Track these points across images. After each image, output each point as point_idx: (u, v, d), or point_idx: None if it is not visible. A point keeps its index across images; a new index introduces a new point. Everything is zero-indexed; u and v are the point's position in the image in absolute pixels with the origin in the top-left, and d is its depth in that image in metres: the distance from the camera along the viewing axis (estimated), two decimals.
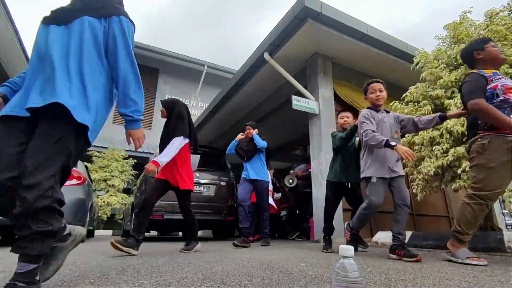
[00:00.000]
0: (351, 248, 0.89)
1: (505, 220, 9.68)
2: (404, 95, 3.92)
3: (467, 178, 2.98)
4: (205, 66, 14.57)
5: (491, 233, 2.78)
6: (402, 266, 1.77)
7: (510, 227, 10.36)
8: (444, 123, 3.14)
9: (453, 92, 3.33)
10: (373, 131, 2.25)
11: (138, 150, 8.28)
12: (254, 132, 3.92)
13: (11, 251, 1.03)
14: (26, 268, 1.01)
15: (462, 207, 2.05)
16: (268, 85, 6.11)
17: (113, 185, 9.46)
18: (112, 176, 9.59)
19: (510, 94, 1.87)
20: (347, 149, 2.94)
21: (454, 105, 3.14)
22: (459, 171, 3.00)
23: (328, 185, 3.02)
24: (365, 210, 2.31)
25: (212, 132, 9.06)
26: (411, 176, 3.78)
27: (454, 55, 3.48)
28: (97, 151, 10.01)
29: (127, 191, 9.12)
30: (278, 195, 5.91)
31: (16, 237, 1.03)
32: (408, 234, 3.35)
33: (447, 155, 3.06)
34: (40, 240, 1.04)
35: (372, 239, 3.82)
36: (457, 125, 3.02)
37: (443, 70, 3.43)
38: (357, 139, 2.85)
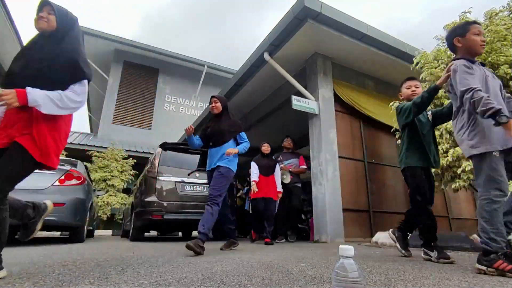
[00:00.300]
0: (351, 248, 0.89)
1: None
2: None
3: (466, 178, 2.98)
4: (205, 66, 14.57)
5: None
6: (401, 266, 1.77)
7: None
8: (444, 124, 3.14)
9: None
10: (481, 90, 1.59)
11: (138, 150, 8.31)
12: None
13: None
14: None
15: None
16: (268, 85, 6.11)
17: (113, 185, 9.46)
18: (112, 176, 9.58)
19: None
20: (423, 125, 2.30)
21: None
22: (458, 171, 3.00)
23: (413, 171, 2.31)
24: (496, 203, 1.55)
25: None
26: None
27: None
28: (97, 151, 10.01)
29: (127, 191, 9.12)
30: None
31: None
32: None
33: (447, 156, 3.07)
34: None
35: (372, 239, 3.82)
36: None
37: (443, 70, 3.43)
38: (430, 113, 2.38)
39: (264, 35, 5.17)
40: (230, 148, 2.85)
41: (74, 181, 3.72)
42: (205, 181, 4.77)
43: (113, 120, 13.04)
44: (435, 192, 3.68)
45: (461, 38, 1.90)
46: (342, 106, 5.15)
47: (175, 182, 4.51)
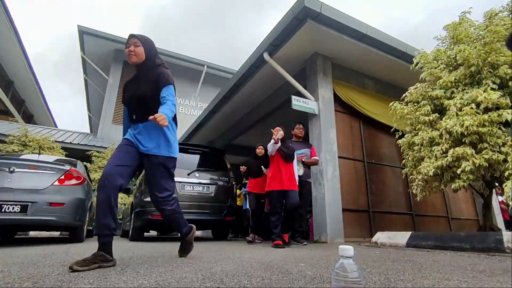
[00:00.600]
0: (350, 248, 0.89)
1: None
2: (403, 95, 3.93)
3: (466, 178, 2.98)
4: (205, 66, 14.57)
5: (491, 233, 2.78)
6: (401, 266, 1.77)
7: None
8: (444, 123, 3.14)
9: (452, 92, 3.33)
10: None
11: None
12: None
13: None
14: None
15: None
16: (268, 85, 6.11)
17: None
18: None
19: None
20: None
21: (454, 105, 3.14)
22: (458, 171, 3.00)
23: None
24: None
25: (212, 132, 9.06)
26: (410, 177, 3.79)
27: (454, 56, 3.48)
28: (97, 151, 10.01)
29: (126, 191, 9.09)
30: None
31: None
32: (408, 234, 3.35)
33: (447, 156, 3.07)
34: None
35: (371, 239, 3.82)
36: (456, 125, 3.02)
37: (443, 70, 3.44)
38: None
39: (264, 35, 5.18)
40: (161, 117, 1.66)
41: (73, 181, 3.72)
42: (205, 181, 4.78)
43: (112, 120, 13.04)
44: (434, 192, 3.71)
45: None
46: (342, 106, 5.15)
47: (175, 182, 4.51)
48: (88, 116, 18.52)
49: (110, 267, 1.66)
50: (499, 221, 6.49)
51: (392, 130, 4.33)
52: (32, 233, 7.80)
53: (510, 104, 2.97)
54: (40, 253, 2.39)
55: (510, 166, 2.82)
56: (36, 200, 3.27)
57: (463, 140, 3.08)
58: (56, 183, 3.53)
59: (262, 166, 4.42)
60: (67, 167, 3.80)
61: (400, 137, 3.91)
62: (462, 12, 3.63)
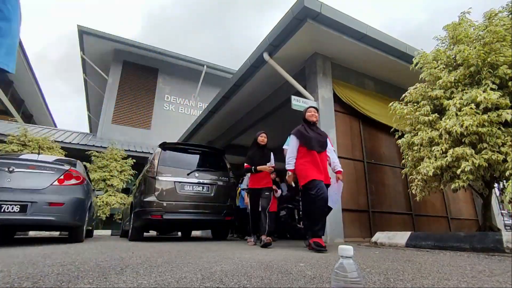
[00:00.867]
0: (350, 248, 0.89)
1: (503, 220, 9.71)
2: (403, 95, 3.93)
3: (466, 178, 2.98)
4: (205, 66, 14.57)
5: (490, 233, 2.78)
6: (401, 266, 1.77)
7: (509, 227, 10.39)
8: (443, 124, 3.14)
9: (452, 92, 3.33)
10: None
11: (137, 150, 8.26)
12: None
13: None
14: None
15: None
16: (268, 85, 6.11)
17: (112, 185, 9.45)
18: (111, 176, 9.58)
19: None
20: None
21: (453, 105, 3.15)
22: (458, 171, 3.00)
23: None
24: None
25: (211, 132, 9.06)
26: (410, 177, 3.79)
27: (453, 56, 3.48)
28: (96, 151, 10.00)
29: (126, 191, 9.10)
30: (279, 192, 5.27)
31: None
32: (407, 234, 3.36)
33: (446, 156, 3.07)
34: None
35: (371, 239, 3.82)
36: (456, 125, 3.03)
37: (442, 70, 3.44)
38: None
39: (264, 35, 5.18)
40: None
41: (73, 181, 3.72)
42: (205, 181, 4.77)
43: (112, 120, 13.04)
44: (434, 192, 3.71)
45: None
46: (342, 106, 5.15)
47: (175, 182, 4.51)
48: (88, 116, 18.51)
49: (109, 267, 1.65)
50: (499, 221, 6.50)
51: (391, 130, 4.33)
52: (31, 233, 7.80)
53: (510, 104, 2.98)
54: (39, 253, 2.39)
55: (510, 166, 2.82)
56: (35, 200, 3.27)
57: (463, 140, 3.08)
58: (56, 183, 3.53)
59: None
60: (67, 167, 3.79)
61: (399, 137, 3.91)
62: (461, 13, 3.64)
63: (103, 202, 8.96)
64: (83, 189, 3.87)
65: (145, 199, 4.33)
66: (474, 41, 3.39)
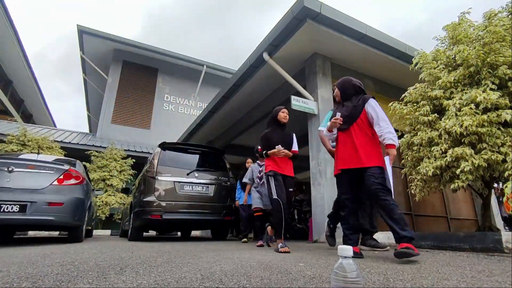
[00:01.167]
0: (349, 248, 0.89)
1: (503, 220, 9.70)
2: (403, 95, 3.93)
3: (465, 178, 2.98)
4: (204, 66, 14.57)
5: (489, 233, 2.79)
6: (400, 266, 1.77)
7: (508, 227, 10.39)
8: (443, 124, 3.14)
9: (451, 92, 3.33)
10: None
11: (137, 150, 8.25)
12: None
13: None
14: None
15: None
16: (267, 85, 6.11)
17: (111, 185, 9.45)
18: (111, 175, 9.57)
19: None
20: None
21: (453, 105, 3.15)
22: (457, 171, 3.00)
23: None
24: None
25: (211, 132, 9.05)
26: (409, 177, 3.79)
27: (453, 56, 3.48)
28: (96, 151, 10.00)
29: (125, 191, 9.10)
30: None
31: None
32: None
33: (446, 156, 3.07)
34: None
35: None
36: (455, 125, 3.03)
37: (442, 70, 3.44)
38: None
39: (264, 35, 5.18)
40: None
41: (73, 181, 3.71)
42: (204, 181, 4.77)
43: (112, 120, 13.03)
44: (433, 192, 3.70)
45: None
46: None
47: (174, 182, 4.51)
48: (87, 115, 18.50)
49: (109, 267, 1.65)
50: (498, 222, 6.51)
51: None
52: (31, 233, 7.79)
53: (509, 104, 2.98)
54: (39, 253, 2.38)
55: (509, 167, 2.82)
56: (35, 200, 3.26)
57: (462, 140, 3.08)
58: (55, 182, 3.52)
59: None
60: (66, 166, 3.79)
61: (399, 137, 3.91)
62: (461, 13, 3.64)
63: (102, 202, 8.96)
64: (83, 189, 3.87)
65: (144, 199, 4.33)
66: (474, 41, 3.39)
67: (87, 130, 19.02)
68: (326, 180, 4.38)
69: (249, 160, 5.09)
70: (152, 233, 8.55)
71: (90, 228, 5.73)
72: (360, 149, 2.31)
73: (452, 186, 3.17)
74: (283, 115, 3.23)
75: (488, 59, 3.10)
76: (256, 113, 7.07)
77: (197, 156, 5.11)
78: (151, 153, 6.33)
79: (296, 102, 4.63)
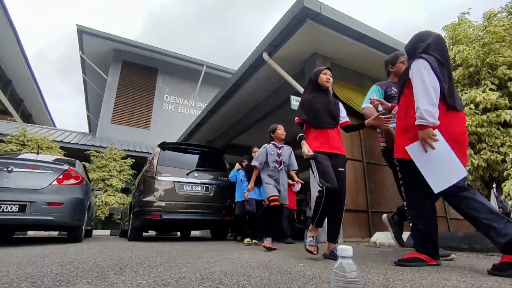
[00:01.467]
0: (349, 248, 0.89)
1: None
2: None
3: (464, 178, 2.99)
4: (204, 66, 14.57)
5: None
6: (400, 266, 1.77)
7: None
8: None
9: None
10: None
11: (137, 149, 8.21)
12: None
13: None
14: None
15: None
16: (267, 85, 6.11)
17: (111, 185, 9.44)
18: (111, 175, 9.57)
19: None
20: None
21: None
22: None
23: None
24: None
25: (211, 132, 9.05)
26: None
27: (453, 56, 3.49)
28: (95, 151, 9.99)
29: (125, 191, 9.09)
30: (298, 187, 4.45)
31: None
32: (406, 234, 3.36)
33: None
34: None
35: (370, 239, 3.82)
36: None
37: None
38: None
39: (264, 35, 5.18)
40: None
41: (72, 181, 3.71)
42: (204, 181, 4.77)
43: (111, 120, 13.02)
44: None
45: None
46: None
47: (174, 182, 4.51)
48: (87, 115, 18.49)
49: (108, 267, 1.65)
50: None
51: None
52: (30, 233, 7.78)
53: (509, 104, 2.98)
54: (38, 253, 2.38)
55: (509, 166, 2.83)
56: (34, 200, 3.26)
57: None
58: (55, 182, 3.52)
59: None
60: (66, 166, 3.78)
61: None
62: (461, 13, 3.64)
63: (102, 202, 8.95)
64: (82, 189, 3.87)
65: (144, 199, 4.32)
66: (474, 41, 3.40)
67: (86, 130, 19.02)
68: None
69: (246, 157, 4.98)
70: (151, 233, 8.55)
71: (89, 228, 5.73)
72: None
73: None
74: (325, 77, 2.44)
75: (488, 59, 3.10)
76: (256, 113, 7.06)
77: (197, 156, 5.11)
78: (151, 153, 6.33)
79: (296, 102, 4.64)
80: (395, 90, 2.45)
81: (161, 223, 4.51)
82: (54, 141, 9.37)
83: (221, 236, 5.45)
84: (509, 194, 2.75)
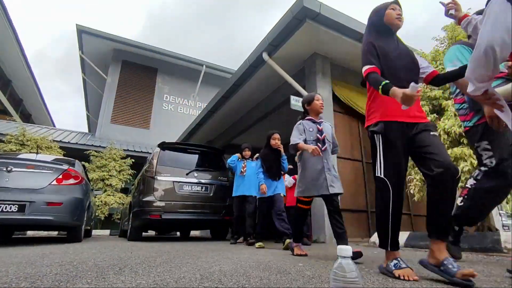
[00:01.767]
0: (349, 248, 0.89)
1: (501, 220, 9.74)
2: None
3: (464, 178, 2.99)
4: (204, 66, 14.57)
5: (488, 233, 2.79)
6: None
7: (507, 227, 10.42)
8: (442, 124, 3.15)
9: (450, 93, 3.34)
10: None
11: (136, 149, 8.16)
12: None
13: None
14: None
15: None
16: (267, 85, 6.11)
17: (111, 185, 9.44)
18: (110, 175, 9.56)
19: None
20: None
21: (452, 105, 3.16)
22: None
23: None
24: None
25: (211, 132, 9.05)
26: (408, 177, 3.80)
27: None
28: (95, 151, 9.99)
29: (125, 190, 9.09)
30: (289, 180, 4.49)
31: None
32: (406, 234, 3.36)
33: None
34: None
35: (370, 239, 3.83)
36: (454, 126, 3.04)
37: (441, 71, 3.45)
38: None
39: (264, 35, 5.18)
40: None
41: (72, 181, 3.71)
42: (204, 180, 4.77)
43: (111, 120, 13.01)
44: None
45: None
46: (341, 106, 5.16)
47: (173, 181, 4.51)
48: (87, 115, 18.47)
49: (108, 267, 1.65)
50: (497, 222, 6.51)
51: None
52: (30, 233, 7.78)
53: None
54: (38, 253, 2.38)
55: None
56: (33, 200, 3.26)
57: (461, 141, 3.09)
58: (54, 182, 3.52)
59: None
60: (65, 166, 3.78)
61: None
62: None
63: (101, 201, 8.95)
64: (82, 188, 3.87)
65: (144, 199, 4.32)
66: None
67: (86, 130, 19.00)
68: None
69: (246, 145, 4.76)
70: (151, 233, 8.55)
71: (89, 228, 5.72)
72: None
73: None
74: (395, 13, 1.84)
75: None
76: (255, 113, 7.06)
77: (197, 156, 5.11)
78: (151, 153, 6.32)
79: (296, 102, 4.64)
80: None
81: (161, 223, 4.51)
82: (54, 141, 9.36)
83: (221, 236, 5.45)
84: None
